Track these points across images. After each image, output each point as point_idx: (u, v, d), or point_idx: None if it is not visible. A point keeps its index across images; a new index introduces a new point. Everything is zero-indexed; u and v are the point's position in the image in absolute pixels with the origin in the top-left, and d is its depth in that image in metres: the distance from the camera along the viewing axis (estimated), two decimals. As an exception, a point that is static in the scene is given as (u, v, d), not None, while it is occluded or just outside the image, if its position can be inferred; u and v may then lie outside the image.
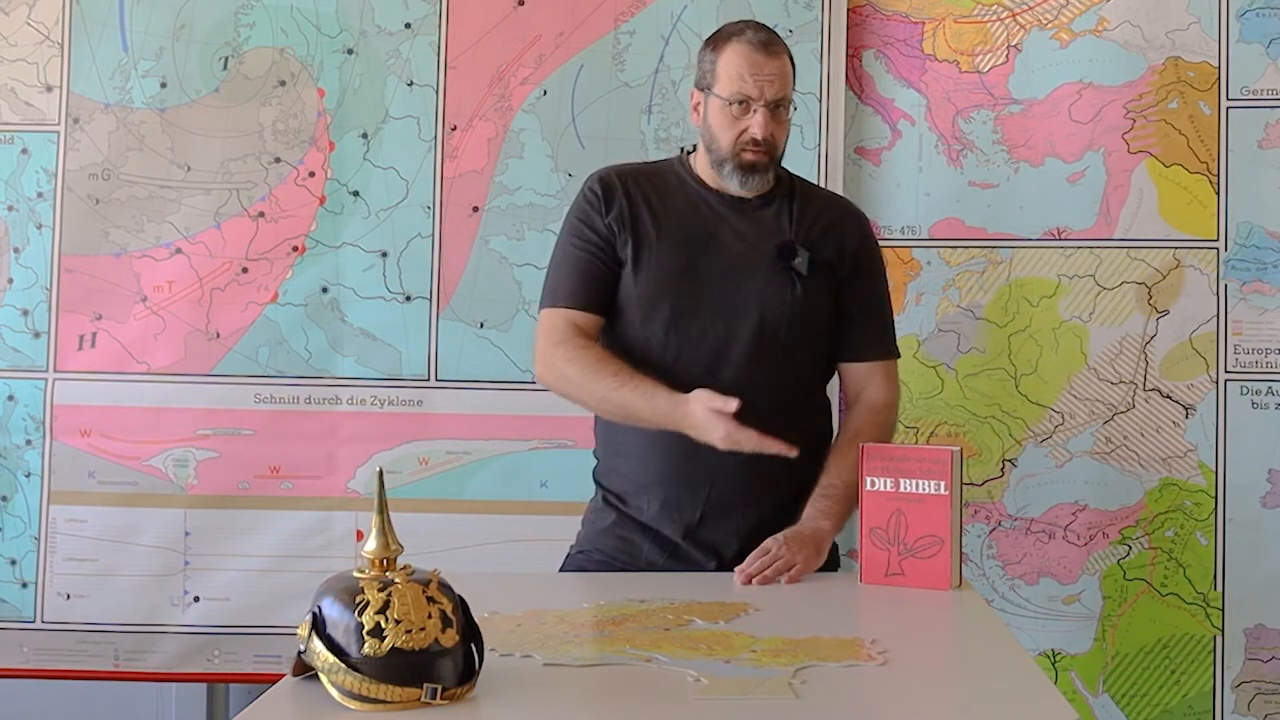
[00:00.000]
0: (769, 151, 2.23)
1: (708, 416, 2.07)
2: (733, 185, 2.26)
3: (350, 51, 2.98)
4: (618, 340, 2.30)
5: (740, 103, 2.21)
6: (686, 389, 2.16)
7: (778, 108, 2.23)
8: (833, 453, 2.27)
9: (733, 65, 2.22)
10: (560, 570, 2.33)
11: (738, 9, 2.88)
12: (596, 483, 2.36)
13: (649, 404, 2.15)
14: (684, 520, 2.24)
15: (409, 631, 1.42)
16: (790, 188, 2.33)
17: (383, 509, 1.49)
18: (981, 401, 2.91)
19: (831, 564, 2.33)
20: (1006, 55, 2.92)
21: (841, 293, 2.29)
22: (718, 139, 2.25)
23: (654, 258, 2.26)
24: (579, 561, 2.32)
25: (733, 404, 2.04)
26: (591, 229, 2.28)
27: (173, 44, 2.99)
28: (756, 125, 2.20)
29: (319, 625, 1.46)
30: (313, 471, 2.97)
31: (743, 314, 2.23)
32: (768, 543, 2.12)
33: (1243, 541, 2.84)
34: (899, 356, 2.38)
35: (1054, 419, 2.89)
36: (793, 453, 2.07)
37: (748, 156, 2.22)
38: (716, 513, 2.22)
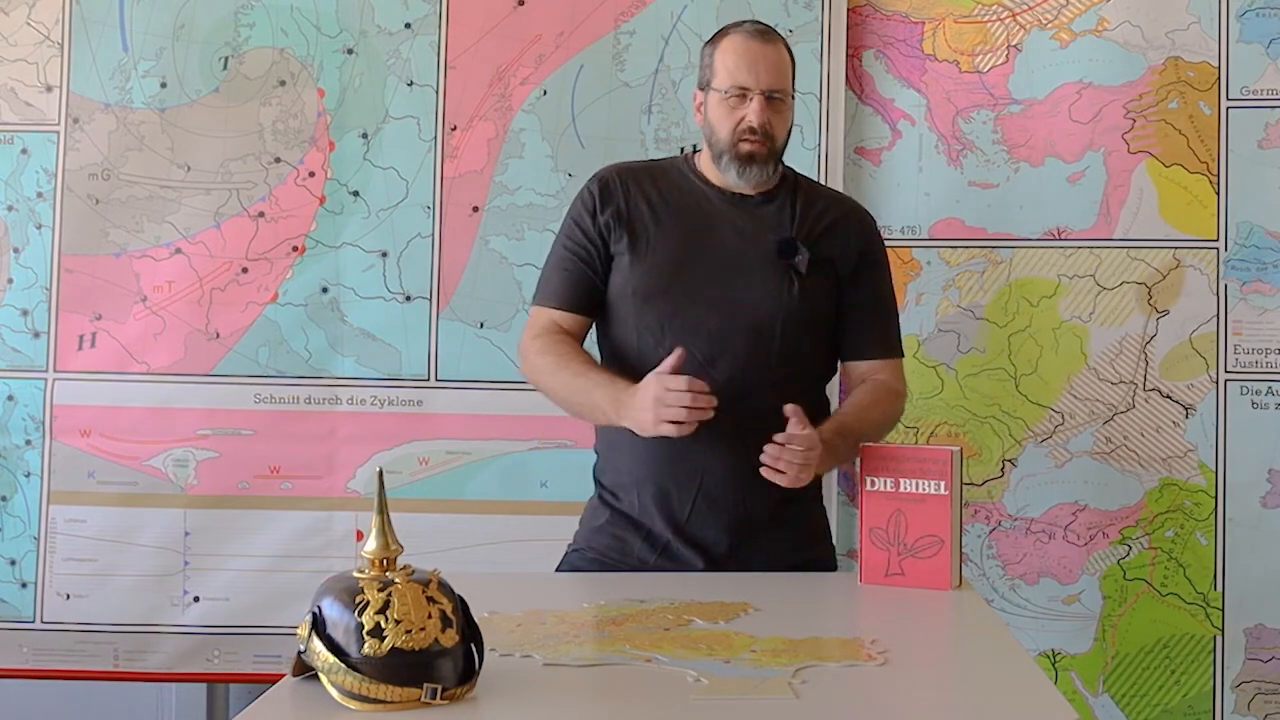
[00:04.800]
0: (766, 142, 2.23)
1: (654, 395, 2.05)
2: (730, 177, 2.26)
3: (350, 51, 2.98)
4: (613, 336, 2.30)
5: (738, 94, 2.23)
6: None
7: (775, 98, 2.23)
8: (848, 403, 2.28)
9: (729, 57, 2.25)
10: (557, 569, 2.33)
11: (738, 9, 2.88)
12: (595, 479, 2.36)
13: (606, 383, 2.16)
14: (674, 516, 2.23)
15: (409, 631, 1.42)
16: (794, 186, 2.33)
17: (383, 509, 1.49)
18: (981, 401, 2.91)
19: (831, 564, 2.33)
20: (1006, 55, 2.92)
21: (843, 291, 2.29)
22: (716, 131, 2.26)
23: (651, 251, 2.26)
24: (573, 560, 2.32)
25: (685, 388, 2.02)
26: (583, 230, 2.30)
27: (173, 44, 2.99)
28: (753, 112, 2.21)
29: (319, 625, 1.46)
30: (313, 471, 2.97)
31: (739, 309, 2.22)
32: (809, 435, 2.06)
33: (1243, 541, 2.85)
34: (903, 356, 2.37)
35: (1054, 419, 2.89)
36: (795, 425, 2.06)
37: (745, 146, 2.22)
38: (706, 509, 2.22)
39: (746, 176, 2.24)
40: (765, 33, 2.28)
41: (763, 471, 2.06)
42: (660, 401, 2.05)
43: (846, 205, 2.41)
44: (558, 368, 2.24)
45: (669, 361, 2.07)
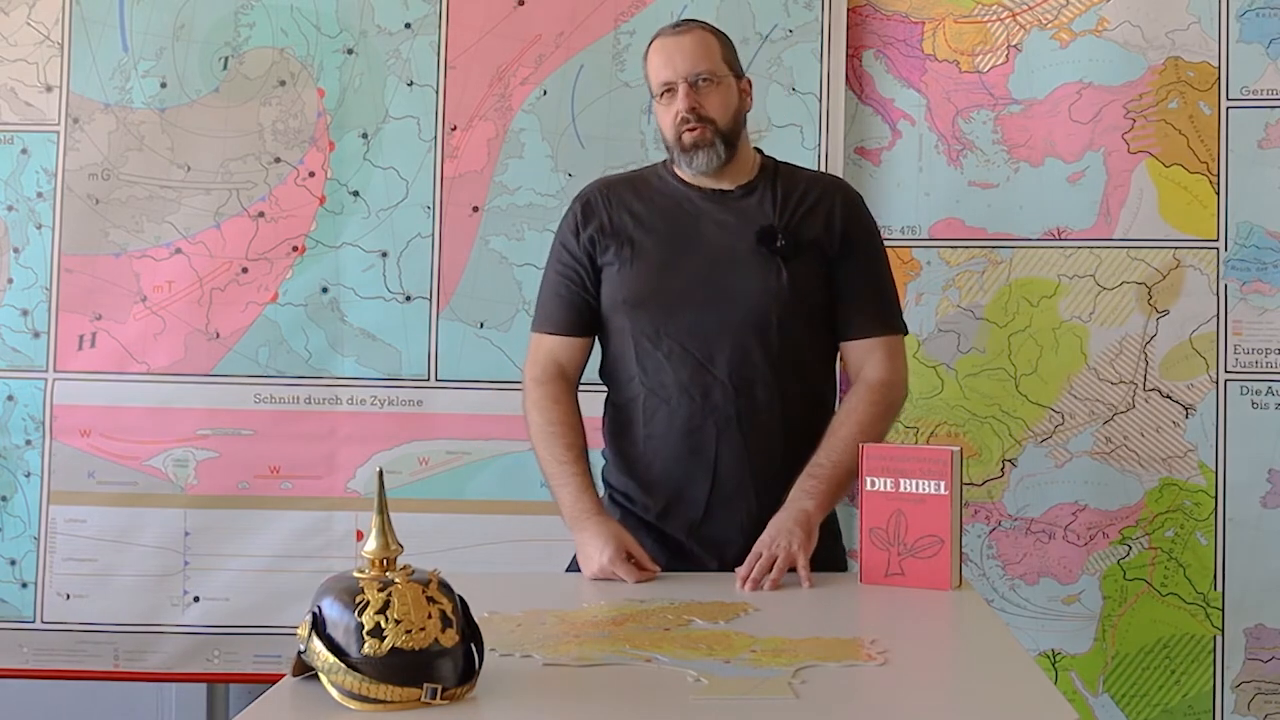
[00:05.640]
0: (705, 125, 2.23)
1: (602, 561, 2.10)
2: (687, 171, 2.27)
3: (350, 51, 2.98)
4: (612, 344, 2.31)
5: (666, 91, 2.25)
6: (683, 385, 2.22)
7: (702, 81, 2.23)
8: (826, 433, 2.24)
9: (651, 63, 2.28)
10: (567, 570, 2.33)
11: (737, 9, 2.88)
12: (604, 481, 2.36)
13: (572, 498, 2.22)
14: (689, 516, 2.24)
15: (409, 631, 1.42)
16: (774, 173, 2.32)
17: (383, 509, 1.49)
18: (981, 401, 2.91)
19: (839, 564, 2.33)
20: (1006, 55, 2.92)
21: (834, 271, 2.27)
22: (664, 134, 2.28)
23: (638, 259, 2.27)
24: (583, 561, 2.32)
25: (629, 580, 2.09)
26: (570, 252, 2.33)
27: (173, 44, 2.99)
28: (679, 100, 2.23)
29: (319, 625, 1.46)
30: (313, 471, 2.97)
31: (731, 304, 2.22)
32: (757, 547, 2.10)
33: (1243, 541, 2.85)
34: (904, 332, 2.34)
35: (1054, 419, 2.89)
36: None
37: (686, 136, 2.23)
38: (721, 507, 2.22)
39: (698, 165, 2.25)
40: (679, 25, 2.31)
41: (807, 583, 2.07)
42: (602, 570, 2.11)
43: (827, 183, 2.38)
44: (543, 436, 2.29)
45: (638, 572, 2.10)
